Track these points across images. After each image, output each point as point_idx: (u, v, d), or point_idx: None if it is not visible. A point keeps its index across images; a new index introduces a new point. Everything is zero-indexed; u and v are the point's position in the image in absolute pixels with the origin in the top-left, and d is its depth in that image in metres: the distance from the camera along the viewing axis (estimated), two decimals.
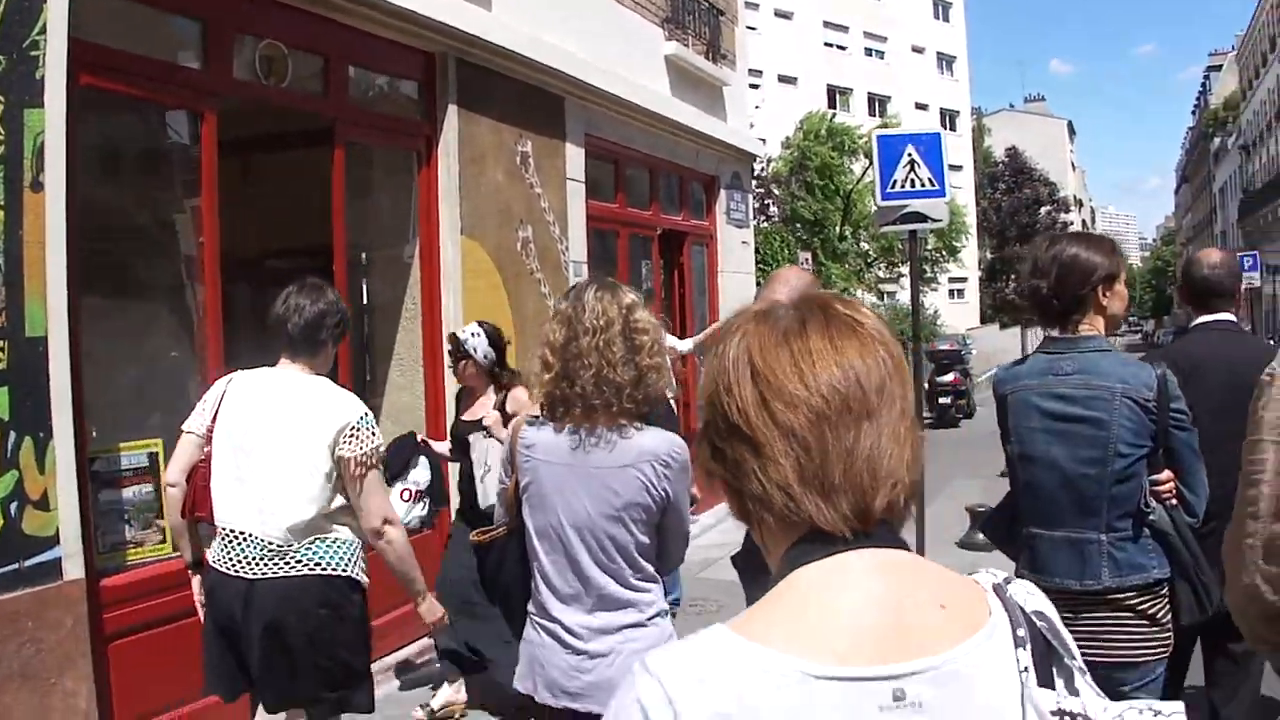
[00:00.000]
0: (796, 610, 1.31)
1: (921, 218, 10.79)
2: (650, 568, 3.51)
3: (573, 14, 9.89)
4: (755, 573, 3.64)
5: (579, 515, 3.41)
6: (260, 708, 4.42)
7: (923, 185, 10.57)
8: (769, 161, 38.28)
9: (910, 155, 10.56)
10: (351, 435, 4.19)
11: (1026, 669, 1.30)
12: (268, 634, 4.13)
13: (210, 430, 4.30)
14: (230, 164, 9.11)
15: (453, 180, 8.12)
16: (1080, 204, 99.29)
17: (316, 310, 4.34)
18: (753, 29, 49.28)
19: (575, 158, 9.92)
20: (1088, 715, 1.29)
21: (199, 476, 4.32)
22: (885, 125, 33.78)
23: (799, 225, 35.78)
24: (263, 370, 4.39)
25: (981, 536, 10.78)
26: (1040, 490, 3.77)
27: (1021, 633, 1.34)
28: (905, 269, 38.34)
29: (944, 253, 46.84)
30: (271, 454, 4.17)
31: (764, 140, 33.02)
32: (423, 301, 8.11)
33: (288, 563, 4.14)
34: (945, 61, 67.75)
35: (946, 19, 68.04)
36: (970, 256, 60.94)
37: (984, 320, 57.85)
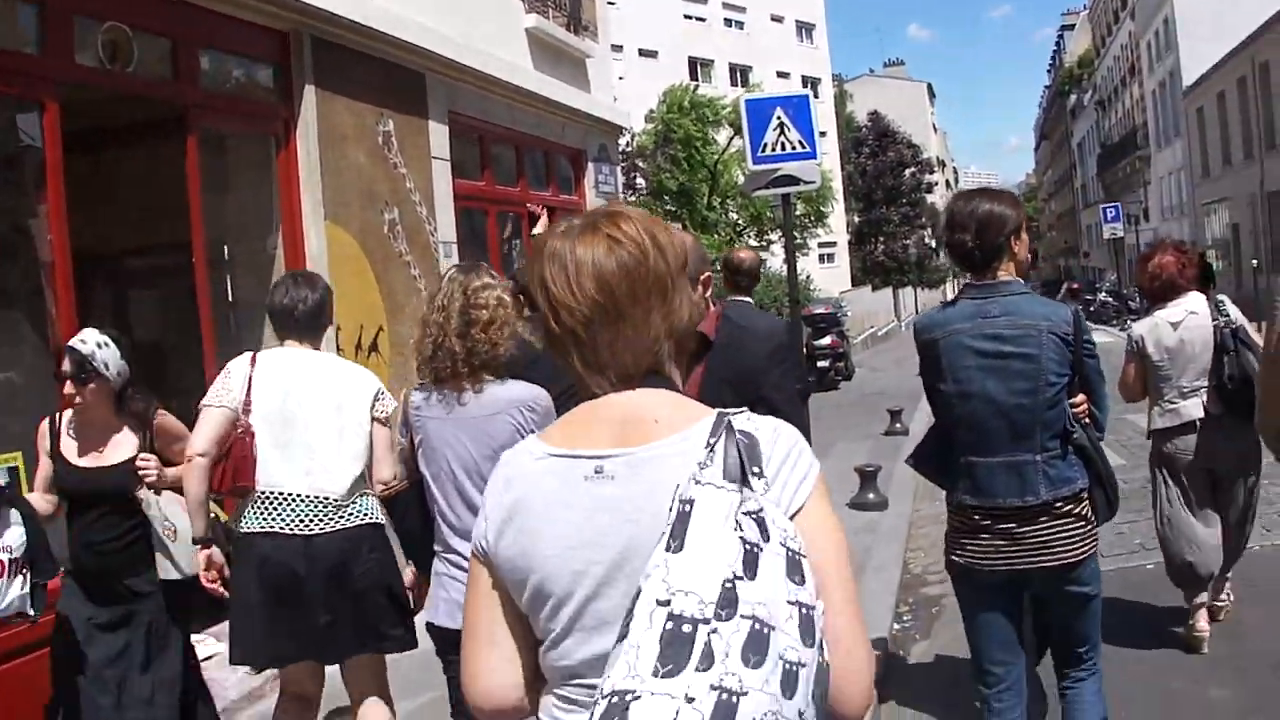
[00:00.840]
0: (562, 422, 2.03)
1: (794, 180, 10.73)
2: None
3: None
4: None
5: (464, 459, 3.98)
6: (298, 672, 4.85)
7: (793, 148, 10.50)
8: (633, 136, 38.24)
9: (779, 118, 10.48)
10: (383, 398, 4.77)
11: (702, 463, 1.74)
12: (332, 584, 4.54)
13: (244, 405, 4.58)
14: (82, 159, 8.78)
15: (313, 164, 7.84)
16: (943, 165, 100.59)
17: (318, 298, 4.82)
18: (612, 3, 49.15)
19: (440, 136, 9.68)
20: (764, 512, 1.69)
21: (237, 448, 4.54)
22: (751, 93, 33.87)
23: (666, 198, 35.79)
24: (280, 350, 4.79)
25: (872, 496, 10.82)
26: (978, 422, 4.09)
27: (714, 440, 1.78)
28: (775, 236, 38.54)
29: (812, 218, 47.15)
30: (318, 421, 4.61)
31: (628, 115, 32.96)
32: None
33: (342, 517, 4.58)
34: (805, 30, 68.04)
35: None
36: (838, 221, 61.42)
37: (855, 283, 58.36)
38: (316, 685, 4.95)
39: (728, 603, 1.60)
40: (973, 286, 4.16)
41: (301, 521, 4.52)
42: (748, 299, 7.33)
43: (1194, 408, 6.05)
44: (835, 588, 1.81)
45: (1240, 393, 5.75)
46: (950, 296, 4.92)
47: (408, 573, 4.72)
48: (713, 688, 1.54)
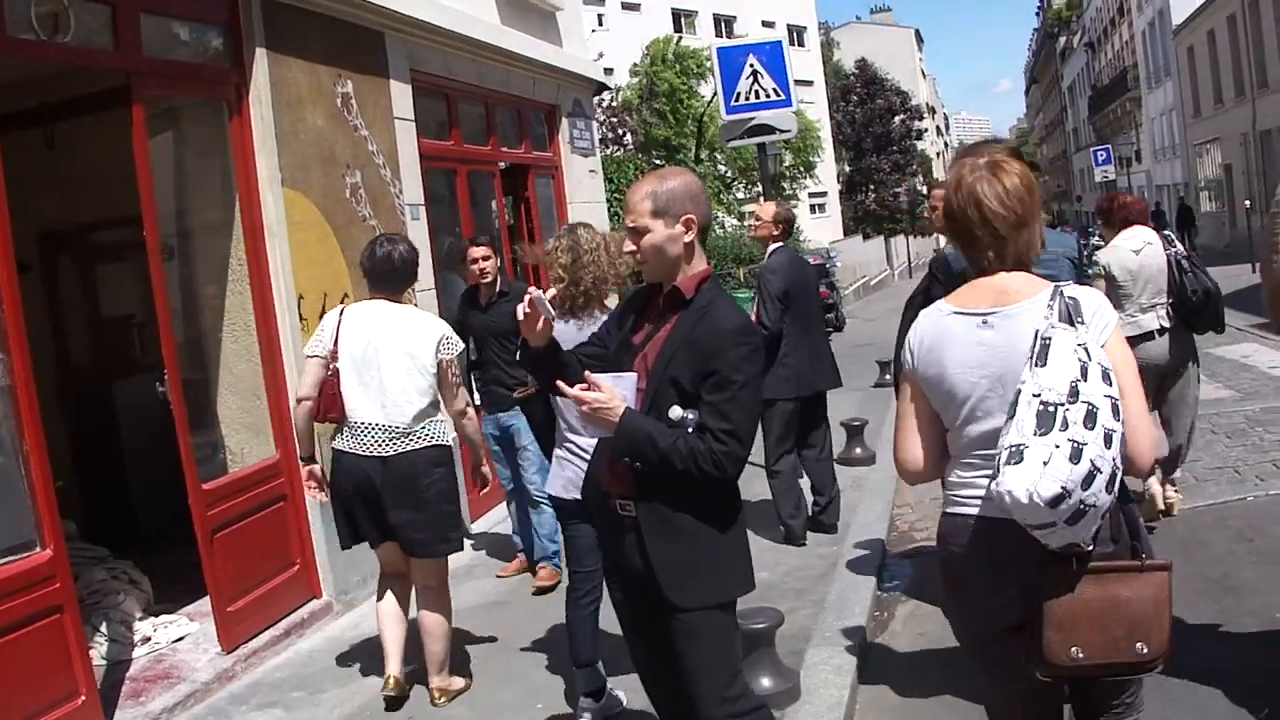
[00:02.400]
0: (961, 290, 3.26)
1: (769, 129, 10.52)
2: None
3: None
4: None
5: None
6: (390, 552, 6.04)
7: (768, 96, 10.28)
8: (618, 90, 38.03)
9: (752, 66, 10.27)
10: (446, 344, 5.88)
11: (1046, 315, 3.00)
12: (401, 493, 5.75)
13: (333, 352, 5.82)
14: (30, 135, 8.56)
15: (268, 129, 7.54)
16: (933, 111, 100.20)
17: (409, 257, 6.04)
18: None
19: (402, 95, 9.37)
20: (1087, 344, 2.92)
21: (327, 387, 5.82)
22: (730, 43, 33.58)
23: (654, 151, 35.56)
24: (365, 303, 5.99)
25: (859, 451, 10.63)
26: None
27: (1052, 301, 3.02)
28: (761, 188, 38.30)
29: (801, 169, 46.88)
30: (390, 364, 5.76)
31: (611, 70, 32.66)
32: (248, 260, 7.52)
33: (411, 440, 5.77)
34: None
35: None
36: (828, 171, 61.26)
37: (846, 233, 58.16)
38: (406, 563, 6.04)
39: (1073, 394, 2.85)
40: None
41: (378, 444, 5.75)
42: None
43: (1150, 320, 7.26)
44: (1129, 393, 2.99)
45: (1205, 304, 7.16)
46: (942, 242, 5.37)
47: (485, 467, 6.29)
48: (1068, 440, 2.81)
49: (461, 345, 6.05)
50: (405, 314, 5.98)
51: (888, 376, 15.89)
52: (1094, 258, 7.88)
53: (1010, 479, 2.82)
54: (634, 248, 3.76)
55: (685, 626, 3.74)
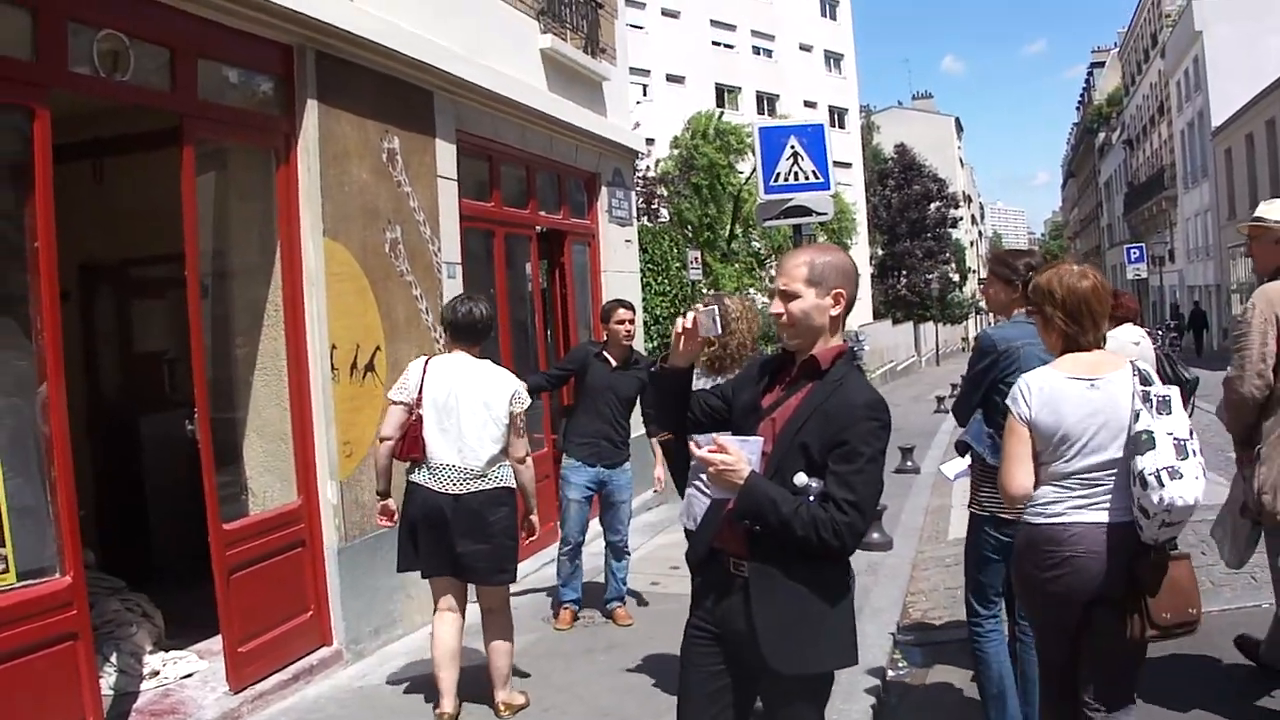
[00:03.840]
0: (1066, 361, 4.39)
1: (806, 211, 10.58)
2: None
3: (441, 4, 9.52)
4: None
5: None
6: (446, 587, 6.62)
7: (807, 178, 10.37)
8: (657, 162, 38.15)
9: (793, 147, 10.35)
10: (517, 398, 6.56)
11: (1134, 386, 4.26)
12: (470, 527, 6.39)
13: (416, 400, 6.48)
14: (79, 167, 8.70)
15: (314, 179, 7.69)
16: (969, 199, 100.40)
17: (488, 314, 6.72)
18: (639, 28, 49.14)
19: (446, 154, 9.51)
20: (1167, 394, 4.24)
21: (411, 430, 6.47)
22: (773, 122, 33.69)
23: (687, 227, 35.66)
24: (447, 356, 6.66)
25: (876, 536, 10.58)
26: None
27: (1134, 373, 4.29)
28: None
29: None
30: (468, 412, 6.45)
31: (652, 140, 32.85)
32: (285, 307, 7.63)
33: (483, 481, 6.46)
34: (833, 59, 68.13)
35: (834, 17, 68.43)
36: (861, 253, 61.26)
37: (876, 317, 58.12)
38: (460, 599, 6.65)
39: (1190, 434, 4.14)
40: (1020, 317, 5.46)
41: (453, 483, 6.42)
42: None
43: None
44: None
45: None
46: (973, 331, 6.32)
47: (534, 516, 6.85)
48: (1198, 464, 4.06)
49: (529, 400, 6.74)
50: (483, 368, 6.62)
51: (909, 463, 15.93)
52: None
53: (1174, 489, 3.98)
54: (781, 310, 3.81)
55: (779, 691, 3.79)
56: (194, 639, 7.54)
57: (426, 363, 6.63)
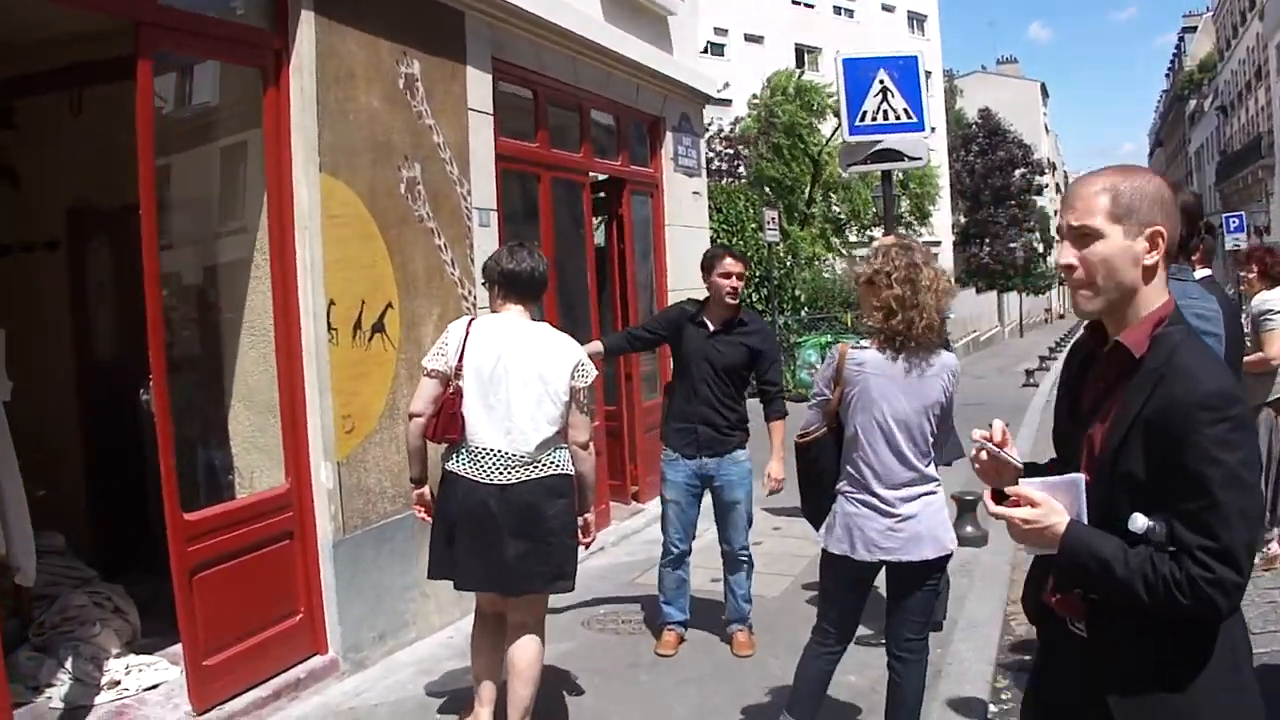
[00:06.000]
0: None
1: (898, 156, 9.24)
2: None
3: None
4: None
5: (901, 413, 4.76)
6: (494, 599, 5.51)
7: (898, 117, 9.04)
8: (737, 120, 37.20)
9: (882, 82, 9.04)
10: (581, 371, 5.40)
11: None
12: (523, 523, 5.23)
13: (455, 369, 5.32)
14: (56, 98, 7.60)
15: (308, 103, 6.43)
16: (1054, 167, 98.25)
17: (544, 267, 5.55)
18: None
19: (480, 84, 8.21)
20: None
21: (447, 405, 5.30)
22: None
23: (767, 188, 34.64)
24: (494, 316, 5.49)
25: (970, 529, 9.23)
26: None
27: None
28: (876, 232, 37.03)
29: (916, 215, 45.50)
30: (520, 386, 5.28)
31: (730, 101, 31.67)
32: (272, 255, 6.45)
33: (533, 469, 5.27)
34: (916, 21, 66.64)
35: None
36: (943, 220, 59.94)
37: (958, 285, 56.69)
38: (506, 603, 5.49)
39: None
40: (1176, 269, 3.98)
41: (498, 472, 5.25)
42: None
43: None
44: None
45: None
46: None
47: (590, 519, 5.60)
48: None
49: (595, 373, 5.62)
50: (541, 332, 5.51)
51: None
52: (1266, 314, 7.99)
53: None
54: (1073, 260, 2.67)
55: None
56: (171, 639, 6.43)
57: (470, 324, 5.46)
